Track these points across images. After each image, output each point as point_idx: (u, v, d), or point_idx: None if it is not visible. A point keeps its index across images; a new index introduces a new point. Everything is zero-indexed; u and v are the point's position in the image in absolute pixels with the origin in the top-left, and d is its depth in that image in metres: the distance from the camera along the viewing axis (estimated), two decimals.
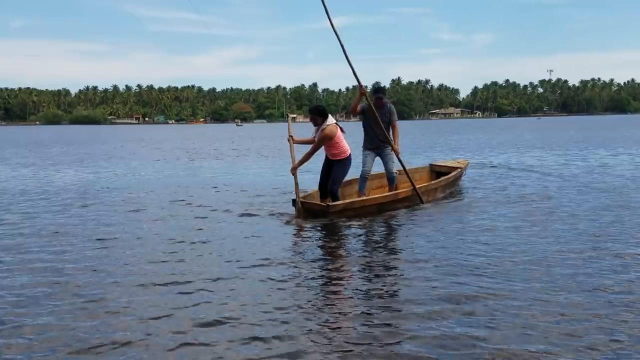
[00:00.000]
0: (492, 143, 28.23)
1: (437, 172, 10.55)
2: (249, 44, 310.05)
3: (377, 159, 8.85)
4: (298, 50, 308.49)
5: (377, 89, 8.45)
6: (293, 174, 7.78)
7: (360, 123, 8.91)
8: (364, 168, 8.74)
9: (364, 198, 8.30)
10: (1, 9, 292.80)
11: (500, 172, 13.39)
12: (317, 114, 7.79)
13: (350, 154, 7.98)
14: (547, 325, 3.77)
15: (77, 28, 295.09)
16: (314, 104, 8.10)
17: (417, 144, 27.78)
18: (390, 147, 8.66)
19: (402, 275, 5.05)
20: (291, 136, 8.04)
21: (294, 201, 7.84)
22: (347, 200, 8.03)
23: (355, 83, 8.31)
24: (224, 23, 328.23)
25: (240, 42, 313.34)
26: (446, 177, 9.66)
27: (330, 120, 7.72)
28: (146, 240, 6.54)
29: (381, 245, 6.35)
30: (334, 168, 7.92)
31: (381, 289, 4.61)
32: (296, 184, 7.73)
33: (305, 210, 7.74)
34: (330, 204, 7.70)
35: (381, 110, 8.58)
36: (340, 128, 7.83)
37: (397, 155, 8.59)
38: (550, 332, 3.66)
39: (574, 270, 5.03)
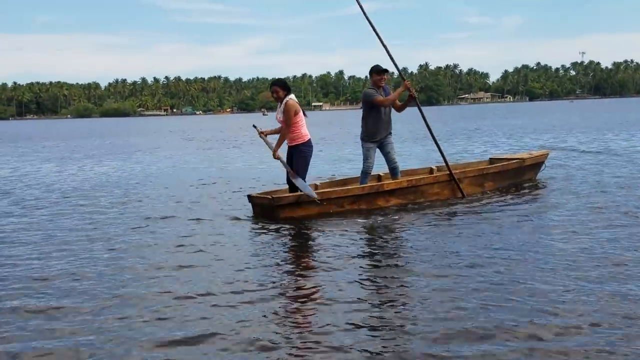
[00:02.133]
0: (538, 126, 27.12)
1: None
2: (273, 32, 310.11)
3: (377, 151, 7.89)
4: (323, 38, 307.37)
5: (381, 67, 7.69)
6: (277, 158, 7.23)
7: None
8: (367, 163, 7.81)
9: (330, 190, 7.57)
10: (28, 4, 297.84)
11: (567, 156, 12.77)
12: (280, 86, 7.18)
13: (309, 140, 7.31)
14: None
15: (102, 21, 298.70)
16: (276, 78, 7.56)
17: (457, 133, 25.74)
18: (391, 136, 7.87)
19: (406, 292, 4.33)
20: (262, 132, 7.41)
21: (249, 197, 7.42)
22: (302, 192, 7.17)
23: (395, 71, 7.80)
24: (248, 12, 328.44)
25: (265, 31, 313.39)
26: (472, 169, 8.50)
27: (292, 96, 7.20)
28: (129, 248, 5.89)
29: (390, 252, 5.54)
30: (294, 158, 7.27)
31: (386, 313, 3.85)
32: (285, 164, 7.24)
33: (257, 206, 7.32)
34: (276, 196, 7.08)
35: (383, 92, 7.74)
36: (303, 111, 7.26)
37: (411, 91, 7.53)
38: None
39: None
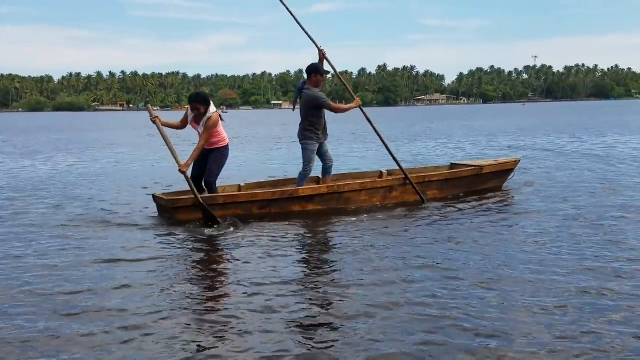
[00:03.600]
0: (500, 129, 27.19)
1: None
2: (237, 30, 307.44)
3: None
4: (287, 36, 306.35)
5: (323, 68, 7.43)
6: (183, 173, 6.64)
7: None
8: (311, 165, 7.42)
9: (235, 193, 7.11)
10: None
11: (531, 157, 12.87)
12: (201, 102, 6.85)
13: (228, 144, 7.12)
14: None
15: (60, 15, 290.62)
16: (195, 92, 7.33)
17: (424, 136, 24.37)
18: None
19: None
20: (157, 117, 6.85)
21: (154, 197, 7.05)
22: (204, 195, 6.70)
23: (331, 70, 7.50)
24: (212, 9, 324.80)
25: (229, 28, 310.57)
26: (414, 175, 7.72)
27: (213, 108, 6.91)
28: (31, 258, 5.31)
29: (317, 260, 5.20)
30: (211, 157, 6.95)
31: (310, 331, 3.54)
32: (189, 181, 6.64)
33: (159, 206, 6.96)
34: (172, 198, 6.73)
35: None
36: (220, 116, 6.99)
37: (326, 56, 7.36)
38: None
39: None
